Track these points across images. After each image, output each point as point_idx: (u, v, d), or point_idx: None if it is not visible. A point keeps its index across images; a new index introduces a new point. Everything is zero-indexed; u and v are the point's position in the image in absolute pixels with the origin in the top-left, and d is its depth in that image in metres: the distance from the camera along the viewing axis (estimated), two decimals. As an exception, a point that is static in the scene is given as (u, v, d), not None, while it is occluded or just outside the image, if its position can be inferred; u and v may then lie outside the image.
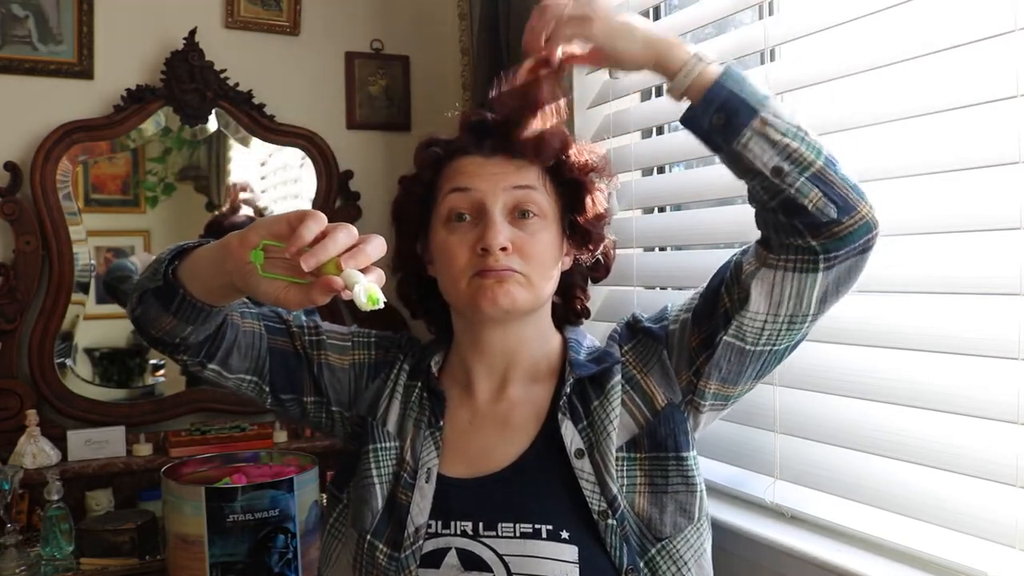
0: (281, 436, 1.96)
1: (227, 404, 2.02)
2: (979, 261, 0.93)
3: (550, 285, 1.01)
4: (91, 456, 1.81)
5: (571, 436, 0.96)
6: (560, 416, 0.97)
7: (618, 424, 0.96)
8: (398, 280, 1.09)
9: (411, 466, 0.99)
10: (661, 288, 1.51)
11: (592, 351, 1.04)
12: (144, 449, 1.86)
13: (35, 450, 1.75)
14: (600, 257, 1.08)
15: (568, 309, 1.10)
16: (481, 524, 0.93)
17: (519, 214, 0.98)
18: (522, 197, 0.98)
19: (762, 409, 1.19)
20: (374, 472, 1.00)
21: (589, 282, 1.12)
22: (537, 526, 0.91)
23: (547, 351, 1.05)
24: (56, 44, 1.88)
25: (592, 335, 1.10)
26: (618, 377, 0.99)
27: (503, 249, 0.95)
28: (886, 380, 1.02)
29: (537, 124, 0.99)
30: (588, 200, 1.02)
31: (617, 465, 0.94)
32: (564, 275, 1.05)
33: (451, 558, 0.92)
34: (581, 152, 1.03)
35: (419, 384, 1.06)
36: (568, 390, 0.98)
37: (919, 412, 0.98)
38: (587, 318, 1.12)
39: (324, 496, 1.67)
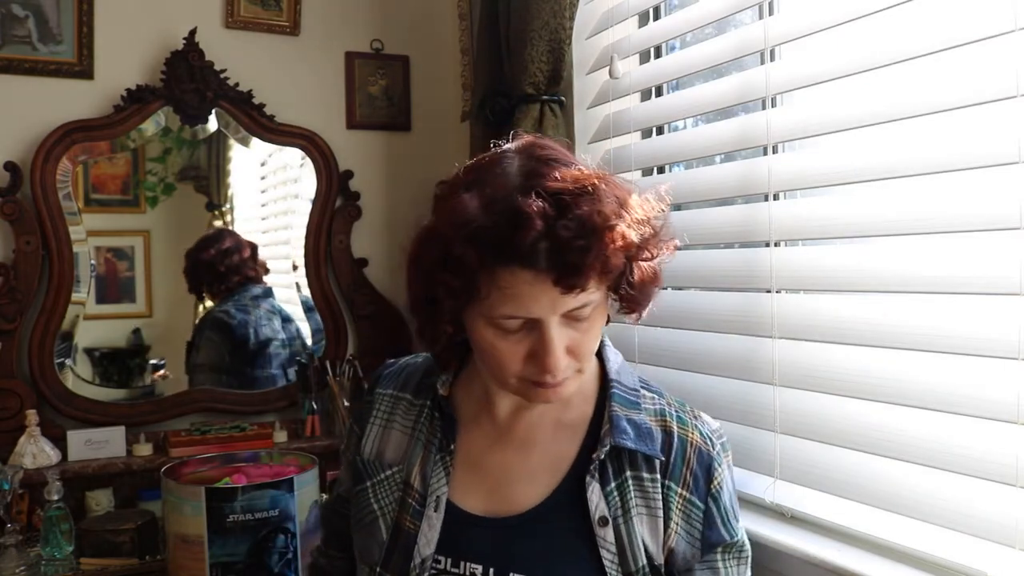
0: (281, 436, 1.96)
1: (227, 404, 2.02)
2: (979, 261, 0.93)
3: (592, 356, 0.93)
4: (91, 456, 1.81)
5: (596, 501, 0.90)
6: (588, 479, 0.91)
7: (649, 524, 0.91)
8: (417, 329, 0.97)
9: (419, 492, 0.94)
10: (661, 288, 1.51)
11: (632, 401, 0.95)
12: (144, 449, 1.86)
13: (35, 450, 1.75)
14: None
15: None
16: (492, 570, 0.90)
17: (575, 317, 0.85)
18: (579, 312, 0.85)
19: (762, 409, 1.19)
20: (375, 506, 0.97)
21: None
22: None
23: None
24: (56, 44, 1.88)
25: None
26: (658, 481, 0.92)
27: None
28: (886, 380, 1.02)
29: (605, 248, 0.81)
30: (639, 274, 0.88)
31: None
32: None
33: None
34: (641, 239, 0.86)
35: (427, 403, 0.99)
36: (602, 456, 0.91)
37: (919, 412, 0.98)
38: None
39: (324, 496, 1.68)
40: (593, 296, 0.84)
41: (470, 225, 0.80)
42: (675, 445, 0.93)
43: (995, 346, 0.90)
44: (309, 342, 2.15)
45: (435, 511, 0.93)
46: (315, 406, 2.01)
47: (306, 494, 1.50)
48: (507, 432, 0.96)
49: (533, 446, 0.95)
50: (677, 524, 0.91)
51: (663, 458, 0.92)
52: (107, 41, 1.93)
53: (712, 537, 0.92)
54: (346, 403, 2.00)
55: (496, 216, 0.80)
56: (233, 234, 2.12)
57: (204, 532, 1.41)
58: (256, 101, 2.04)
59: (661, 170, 1.54)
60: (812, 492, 1.13)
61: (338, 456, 1.90)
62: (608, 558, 0.89)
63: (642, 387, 0.98)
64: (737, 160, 1.31)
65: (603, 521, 0.90)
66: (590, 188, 0.82)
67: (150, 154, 2.02)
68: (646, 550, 0.90)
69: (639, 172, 1.56)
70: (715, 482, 0.93)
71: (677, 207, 1.51)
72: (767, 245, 1.19)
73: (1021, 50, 0.86)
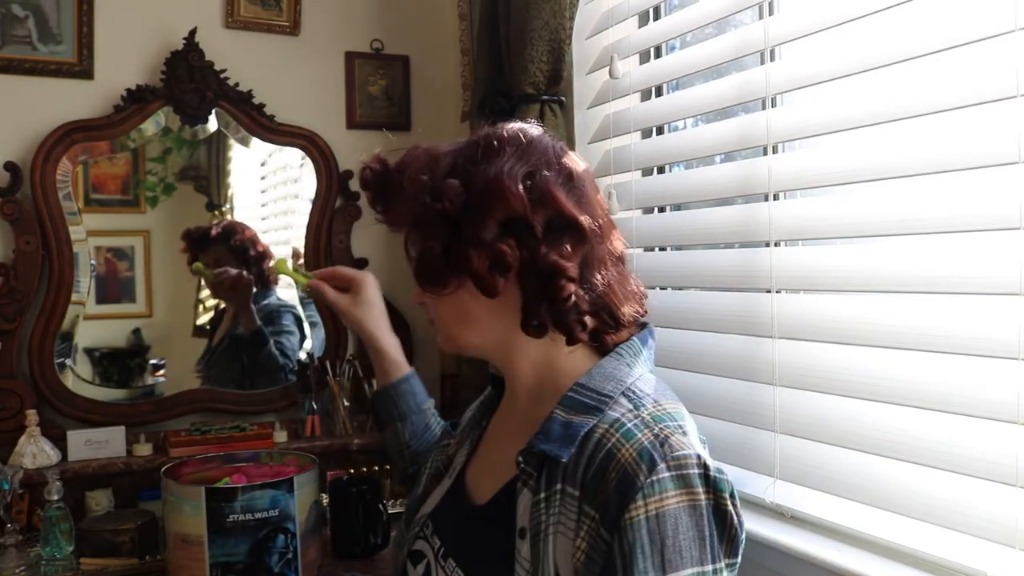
0: (281, 436, 1.95)
1: (227, 404, 2.02)
2: (979, 261, 0.93)
3: (474, 335, 0.91)
4: (91, 456, 1.81)
5: (521, 511, 0.83)
6: (519, 485, 0.83)
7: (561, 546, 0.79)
8: None
9: (451, 459, 1.04)
10: (661, 288, 1.51)
11: (588, 405, 0.83)
12: (144, 449, 1.86)
13: (35, 450, 1.75)
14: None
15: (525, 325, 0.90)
16: (443, 550, 0.95)
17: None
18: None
19: (762, 409, 1.19)
20: (428, 466, 1.09)
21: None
22: None
23: (547, 376, 0.92)
24: (56, 44, 1.88)
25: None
26: (576, 497, 0.79)
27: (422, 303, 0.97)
28: (886, 380, 1.02)
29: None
30: (478, 259, 0.85)
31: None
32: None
33: (421, 568, 0.96)
34: (402, 165, 0.93)
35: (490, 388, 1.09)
36: (520, 460, 0.83)
37: (919, 412, 0.98)
38: (540, 335, 0.88)
39: (324, 496, 1.68)
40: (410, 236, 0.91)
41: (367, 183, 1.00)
42: (598, 457, 0.77)
43: (995, 346, 0.90)
44: (309, 342, 2.15)
45: (449, 478, 1.01)
46: (315, 406, 2.01)
47: (306, 494, 1.49)
48: (506, 422, 1.02)
49: (509, 439, 0.92)
50: (582, 553, 0.75)
51: (564, 459, 0.79)
52: (107, 41, 1.93)
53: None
54: (346, 403, 2.00)
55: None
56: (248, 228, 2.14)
57: (204, 532, 1.41)
58: (256, 101, 2.04)
59: (661, 170, 1.55)
60: (812, 492, 1.13)
61: (338, 456, 1.92)
62: (520, 574, 0.80)
63: (626, 396, 0.83)
64: (737, 160, 1.31)
65: (522, 533, 0.81)
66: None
67: (150, 154, 2.02)
68: (557, 574, 0.78)
69: (639, 172, 1.56)
70: (628, 514, 0.73)
71: (677, 207, 1.51)
72: (767, 245, 1.19)
73: (1021, 50, 0.86)
